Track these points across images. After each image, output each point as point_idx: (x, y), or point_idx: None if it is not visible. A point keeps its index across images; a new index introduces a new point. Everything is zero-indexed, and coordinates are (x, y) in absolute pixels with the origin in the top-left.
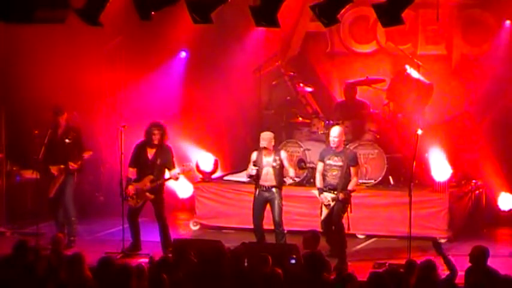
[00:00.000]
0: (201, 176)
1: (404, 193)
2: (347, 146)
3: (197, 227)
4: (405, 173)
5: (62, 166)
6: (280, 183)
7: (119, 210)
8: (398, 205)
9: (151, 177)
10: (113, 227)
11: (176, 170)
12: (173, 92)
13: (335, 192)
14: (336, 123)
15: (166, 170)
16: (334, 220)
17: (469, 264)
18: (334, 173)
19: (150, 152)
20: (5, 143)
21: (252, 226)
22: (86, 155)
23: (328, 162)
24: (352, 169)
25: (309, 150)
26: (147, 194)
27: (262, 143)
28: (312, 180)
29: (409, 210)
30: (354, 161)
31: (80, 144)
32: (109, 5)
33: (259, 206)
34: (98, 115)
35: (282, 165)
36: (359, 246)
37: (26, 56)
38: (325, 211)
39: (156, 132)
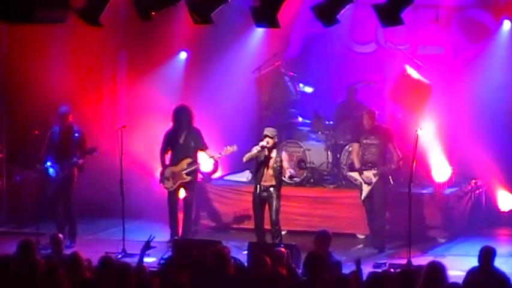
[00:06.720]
0: (201, 176)
1: (403, 193)
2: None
3: (197, 227)
4: (405, 173)
5: (65, 164)
6: (279, 183)
7: (119, 210)
8: (398, 205)
9: (189, 160)
10: (113, 227)
11: (217, 154)
12: (173, 92)
13: (376, 169)
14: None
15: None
16: (375, 201)
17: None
18: (372, 151)
19: (181, 136)
20: (5, 143)
21: (251, 226)
22: (93, 151)
23: (365, 141)
24: (389, 145)
25: (309, 150)
26: (184, 175)
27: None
28: (312, 180)
29: (409, 210)
30: (390, 138)
31: (83, 143)
32: (109, 5)
33: (258, 205)
34: (98, 115)
35: (282, 166)
36: (359, 246)
37: (27, 57)
38: (366, 189)
39: (182, 117)
